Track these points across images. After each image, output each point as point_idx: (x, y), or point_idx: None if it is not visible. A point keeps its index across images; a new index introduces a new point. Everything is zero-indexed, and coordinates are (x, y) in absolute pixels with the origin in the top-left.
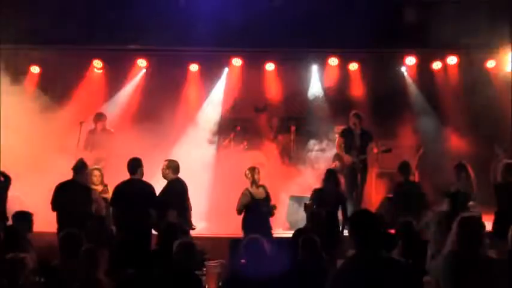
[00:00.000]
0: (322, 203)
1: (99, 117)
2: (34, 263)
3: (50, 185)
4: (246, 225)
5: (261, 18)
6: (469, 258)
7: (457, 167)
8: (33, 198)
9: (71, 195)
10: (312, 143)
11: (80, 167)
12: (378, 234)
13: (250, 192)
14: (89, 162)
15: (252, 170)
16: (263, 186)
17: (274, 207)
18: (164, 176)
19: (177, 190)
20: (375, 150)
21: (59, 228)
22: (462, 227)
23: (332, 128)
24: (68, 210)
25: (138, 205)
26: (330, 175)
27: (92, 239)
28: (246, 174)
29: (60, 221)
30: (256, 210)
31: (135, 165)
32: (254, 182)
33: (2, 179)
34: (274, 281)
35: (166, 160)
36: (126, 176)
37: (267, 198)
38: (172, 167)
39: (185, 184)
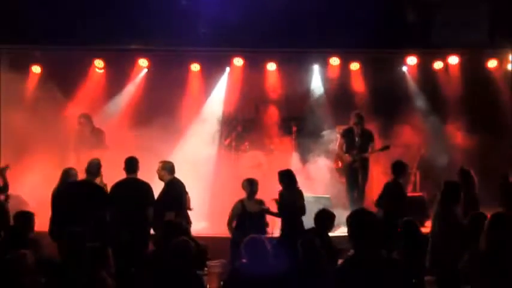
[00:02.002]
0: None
1: (87, 118)
2: (34, 262)
3: (50, 185)
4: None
5: (262, 17)
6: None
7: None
8: (34, 198)
9: (84, 195)
10: (314, 142)
11: (97, 168)
12: (377, 233)
13: (243, 205)
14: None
15: (250, 182)
16: (260, 201)
17: (266, 224)
18: (160, 178)
19: (175, 191)
20: (377, 147)
21: (59, 228)
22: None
23: (334, 128)
24: (79, 211)
25: (136, 204)
26: (284, 175)
27: (93, 238)
28: (243, 186)
29: (62, 220)
30: (247, 224)
31: (133, 164)
32: (251, 195)
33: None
34: (274, 280)
35: (160, 162)
36: (124, 175)
37: (261, 213)
38: (168, 168)
39: (182, 183)
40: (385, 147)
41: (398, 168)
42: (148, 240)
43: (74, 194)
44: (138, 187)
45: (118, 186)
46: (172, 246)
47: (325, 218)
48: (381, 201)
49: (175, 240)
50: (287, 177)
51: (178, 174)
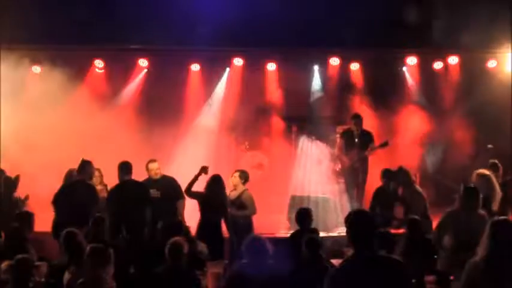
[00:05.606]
0: (208, 207)
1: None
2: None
3: (49, 185)
4: None
5: (262, 17)
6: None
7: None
8: (34, 198)
9: (78, 195)
10: (313, 143)
11: (82, 167)
12: (375, 233)
13: None
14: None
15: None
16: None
17: None
18: (158, 174)
19: (173, 183)
20: (376, 144)
21: (59, 229)
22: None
23: (333, 128)
24: (72, 210)
25: (135, 205)
26: (213, 181)
27: (92, 238)
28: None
29: (60, 220)
30: None
31: (128, 167)
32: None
33: None
34: (275, 280)
35: (155, 161)
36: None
37: None
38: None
39: None
40: (385, 144)
41: (388, 176)
42: (150, 241)
43: (69, 194)
44: (136, 188)
45: (116, 188)
46: (167, 247)
47: (304, 215)
48: (373, 202)
49: (170, 241)
50: (215, 182)
51: (179, 174)
